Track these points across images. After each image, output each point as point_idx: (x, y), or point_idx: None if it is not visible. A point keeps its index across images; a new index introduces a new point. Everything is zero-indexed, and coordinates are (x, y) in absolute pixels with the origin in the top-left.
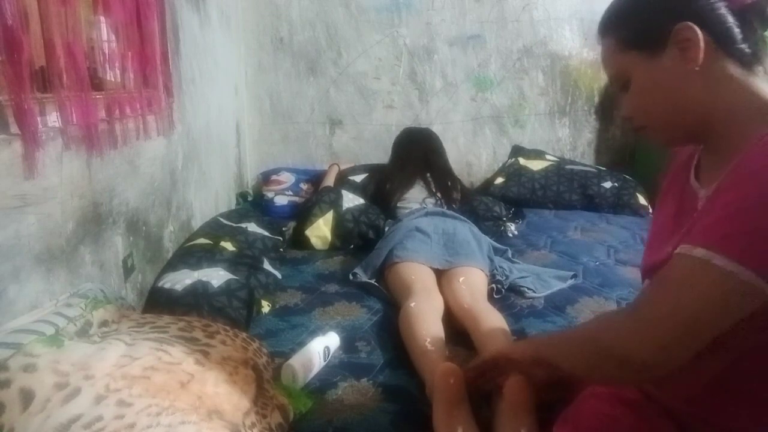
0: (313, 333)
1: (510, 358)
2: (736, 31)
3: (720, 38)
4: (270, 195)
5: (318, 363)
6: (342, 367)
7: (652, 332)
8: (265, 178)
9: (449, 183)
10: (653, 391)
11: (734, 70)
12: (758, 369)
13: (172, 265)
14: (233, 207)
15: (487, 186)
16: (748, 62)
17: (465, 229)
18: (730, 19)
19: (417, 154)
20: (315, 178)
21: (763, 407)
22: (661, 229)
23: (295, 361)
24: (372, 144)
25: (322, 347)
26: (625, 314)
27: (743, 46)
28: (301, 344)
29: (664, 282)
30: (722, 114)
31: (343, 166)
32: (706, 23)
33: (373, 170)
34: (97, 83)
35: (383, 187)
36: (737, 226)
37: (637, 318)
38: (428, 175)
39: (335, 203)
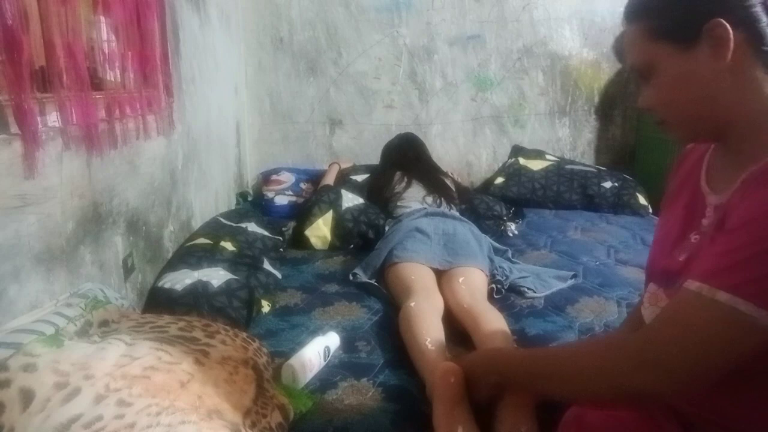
0: (313, 333)
1: (469, 383)
2: None
3: (752, 38)
4: (270, 195)
5: (318, 363)
6: (342, 367)
7: (672, 372)
8: (265, 178)
9: (439, 179)
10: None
11: (760, 73)
12: (764, 368)
13: (172, 265)
14: (233, 207)
15: (487, 186)
16: None
17: (465, 230)
18: (765, 19)
19: (393, 160)
20: (315, 178)
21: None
22: (668, 232)
23: (295, 361)
24: (372, 144)
25: (322, 347)
26: (630, 345)
27: None
28: (301, 344)
29: (673, 317)
30: (743, 116)
31: (344, 166)
32: (740, 22)
33: (371, 172)
34: (97, 83)
35: (372, 192)
36: (754, 270)
37: (643, 350)
38: (413, 174)
39: (334, 203)
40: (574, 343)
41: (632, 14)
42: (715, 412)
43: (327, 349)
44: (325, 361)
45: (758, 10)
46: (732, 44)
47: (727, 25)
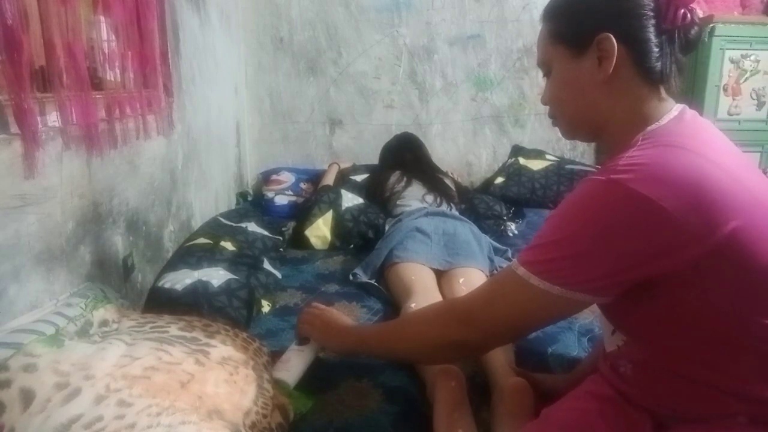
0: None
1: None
2: (655, 50)
3: (636, 54)
4: (270, 195)
5: (304, 360)
6: (342, 367)
7: (482, 328)
8: (265, 178)
9: (438, 178)
10: (624, 388)
11: (638, 86)
12: (701, 356)
13: (172, 264)
14: (233, 207)
15: (487, 186)
16: (655, 80)
17: (465, 230)
18: (653, 38)
19: (392, 161)
20: (315, 178)
21: (714, 393)
22: None
23: (275, 372)
24: (372, 144)
25: (301, 344)
26: (456, 306)
27: (657, 64)
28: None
29: (494, 289)
30: (614, 123)
31: (343, 166)
32: (628, 38)
33: (370, 172)
34: (97, 83)
35: (371, 191)
36: (550, 254)
37: (469, 316)
38: (413, 173)
39: (334, 203)
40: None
41: (544, 15)
42: (675, 405)
43: (307, 339)
44: (312, 353)
45: (649, 29)
46: (615, 58)
47: (614, 40)
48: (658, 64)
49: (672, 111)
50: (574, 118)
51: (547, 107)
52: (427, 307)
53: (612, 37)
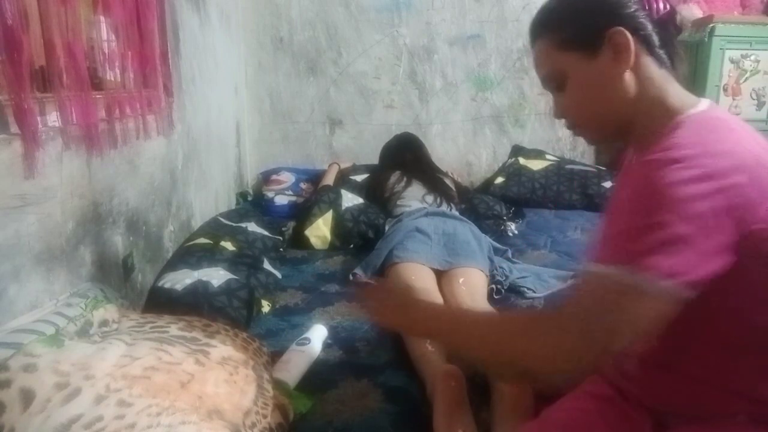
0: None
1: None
2: (656, 37)
3: (645, 42)
4: (270, 195)
5: (305, 360)
6: (342, 367)
7: (583, 335)
8: (265, 178)
9: (438, 179)
10: (626, 386)
11: (655, 72)
12: (704, 355)
13: (172, 264)
14: (233, 207)
15: (487, 186)
16: (665, 66)
17: (465, 230)
18: (651, 26)
19: (392, 161)
20: (315, 178)
21: (716, 392)
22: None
23: (275, 372)
24: (372, 144)
25: (304, 345)
26: (558, 317)
27: (661, 51)
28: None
29: (586, 299)
30: (641, 111)
31: (343, 166)
32: (634, 28)
33: (370, 172)
34: (97, 83)
35: (371, 191)
36: (634, 245)
37: (569, 320)
38: (413, 173)
39: (334, 203)
40: (502, 312)
41: (539, 29)
42: (676, 404)
43: (307, 339)
44: (312, 353)
45: (643, 19)
46: (633, 48)
47: (627, 32)
48: (663, 51)
49: (703, 102)
50: (602, 117)
51: (549, 108)
52: (547, 322)
53: (623, 29)
